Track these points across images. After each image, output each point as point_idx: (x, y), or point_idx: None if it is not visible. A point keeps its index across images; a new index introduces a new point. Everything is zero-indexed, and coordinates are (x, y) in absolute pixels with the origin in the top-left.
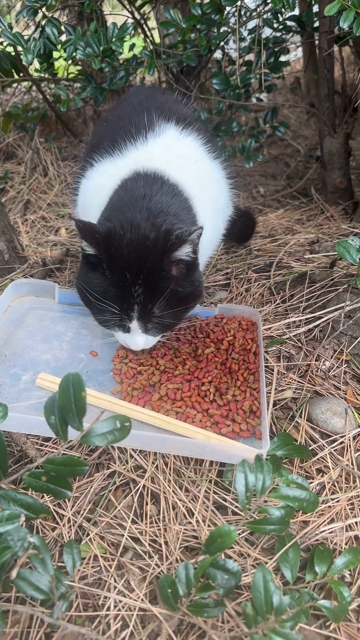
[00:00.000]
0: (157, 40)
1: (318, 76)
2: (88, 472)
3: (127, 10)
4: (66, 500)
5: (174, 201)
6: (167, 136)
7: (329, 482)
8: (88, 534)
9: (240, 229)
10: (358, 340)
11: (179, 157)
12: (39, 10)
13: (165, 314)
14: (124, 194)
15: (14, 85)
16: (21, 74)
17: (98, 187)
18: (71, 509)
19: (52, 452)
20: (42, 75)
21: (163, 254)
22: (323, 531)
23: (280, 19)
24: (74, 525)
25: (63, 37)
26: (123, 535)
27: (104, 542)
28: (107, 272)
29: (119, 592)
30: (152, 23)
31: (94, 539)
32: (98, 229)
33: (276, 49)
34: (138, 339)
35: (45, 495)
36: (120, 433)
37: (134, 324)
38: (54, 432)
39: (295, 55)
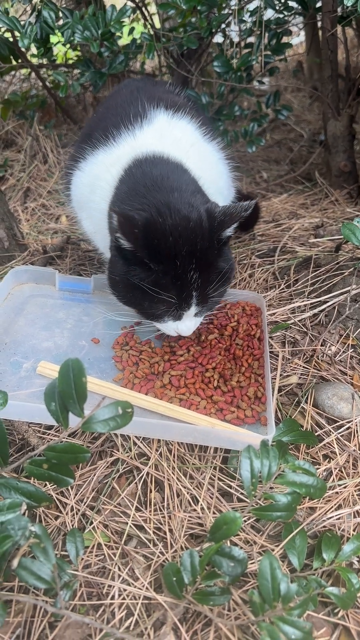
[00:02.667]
0: (158, 25)
1: (321, 58)
2: (91, 460)
3: None
4: (69, 488)
5: (188, 178)
6: (160, 121)
7: (336, 468)
8: (91, 522)
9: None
10: None
11: (175, 141)
12: None
13: (216, 294)
14: (140, 179)
15: (13, 72)
16: (19, 60)
17: (94, 179)
18: (74, 497)
19: (55, 440)
20: (41, 61)
21: (212, 233)
22: (330, 517)
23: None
24: (77, 514)
25: (61, 23)
26: (127, 523)
27: (107, 530)
28: (152, 264)
29: (124, 581)
30: (152, 9)
31: (98, 527)
32: (136, 221)
33: (278, 31)
34: (191, 323)
35: (47, 483)
36: (122, 419)
37: (191, 310)
38: (55, 419)
39: (298, 36)
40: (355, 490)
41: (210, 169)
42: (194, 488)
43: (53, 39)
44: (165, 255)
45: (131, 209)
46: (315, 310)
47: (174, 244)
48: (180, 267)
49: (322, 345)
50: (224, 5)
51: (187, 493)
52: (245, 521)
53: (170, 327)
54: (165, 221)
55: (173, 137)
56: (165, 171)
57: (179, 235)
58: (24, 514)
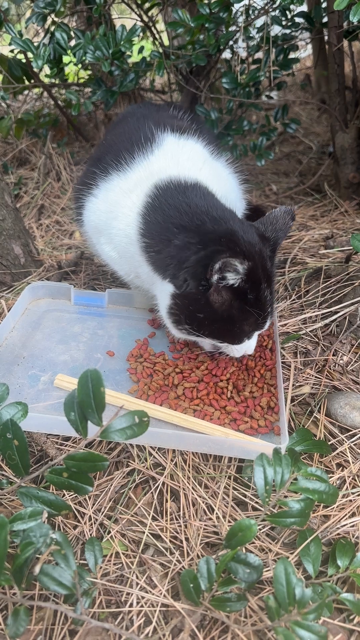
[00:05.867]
0: (166, 43)
1: (328, 72)
2: (108, 471)
3: (135, 13)
4: (87, 498)
5: (224, 206)
6: (169, 144)
7: (349, 476)
8: (109, 532)
9: None
10: None
11: (188, 161)
12: (48, 17)
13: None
14: (183, 209)
15: (25, 92)
16: (32, 81)
17: (113, 206)
18: (92, 507)
19: (72, 450)
20: (53, 81)
21: (272, 250)
22: (344, 525)
23: (289, 16)
24: (95, 523)
25: (72, 43)
26: (144, 532)
27: (125, 539)
28: (250, 294)
29: (141, 589)
30: (160, 27)
31: (115, 537)
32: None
33: (285, 46)
34: (255, 341)
35: (66, 493)
36: (139, 428)
37: (266, 326)
38: (74, 429)
39: (304, 50)
40: None
41: (224, 185)
42: (209, 497)
43: (65, 59)
44: (256, 281)
45: (191, 242)
46: (327, 321)
47: (255, 269)
48: (262, 288)
49: (334, 355)
50: (231, 22)
51: (203, 502)
52: (260, 529)
53: (242, 349)
54: (242, 252)
55: (185, 157)
56: (208, 201)
57: (254, 260)
58: (44, 522)
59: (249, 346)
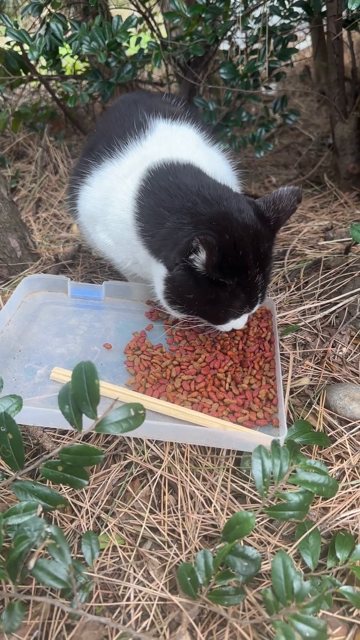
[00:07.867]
0: (164, 34)
1: (327, 62)
2: (105, 464)
3: (132, 3)
4: (84, 491)
5: (218, 182)
6: (161, 129)
7: (348, 468)
8: (106, 525)
9: None
10: None
11: (182, 144)
12: (44, 7)
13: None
14: (173, 191)
15: (22, 85)
16: (29, 73)
17: (108, 192)
18: (89, 501)
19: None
20: (50, 73)
21: (271, 233)
22: (344, 517)
23: (287, 6)
24: (92, 517)
25: (68, 34)
26: (141, 526)
27: (122, 532)
28: (227, 281)
29: (139, 582)
30: (158, 19)
31: (113, 530)
32: (214, 247)
33: (284, 36)
34: (246, 317)
35: (62, 487)
36: (134, 421)
37: (255, 310)
38: (69, 422)
39: (304, 40)
40: None
41: (218, 169)
42: (207, 490)
43: (62, 50)
44: (238, 268)
45: (183, 222)
46: (326, 312)
47: (243, 256)
48: (250, 275)
49: (333, 346)
50: (229, 12)
51: (201, 495)
52: (258, 522)
53: (229, 326)
54: (232, 236)
55: (178, 141)
56: (199, 180)
57: (244, 246)
58: (40, 516)
59: (237, 323)
